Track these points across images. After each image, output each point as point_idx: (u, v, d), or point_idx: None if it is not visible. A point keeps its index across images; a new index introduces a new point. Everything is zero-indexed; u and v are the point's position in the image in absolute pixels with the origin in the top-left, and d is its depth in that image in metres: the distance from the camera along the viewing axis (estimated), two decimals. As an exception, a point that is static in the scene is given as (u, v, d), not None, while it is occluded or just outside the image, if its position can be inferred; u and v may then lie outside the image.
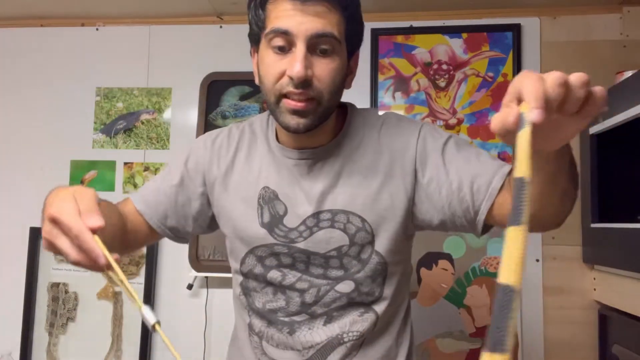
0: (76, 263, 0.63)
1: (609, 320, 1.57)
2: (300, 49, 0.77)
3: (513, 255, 0.37)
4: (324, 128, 0.87)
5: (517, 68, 1.73)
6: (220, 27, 1.91)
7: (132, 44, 1.95)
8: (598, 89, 0.50)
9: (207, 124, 1.85)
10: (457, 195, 0.83)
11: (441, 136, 0.88)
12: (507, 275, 0.36)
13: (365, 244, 0.86)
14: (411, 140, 0.88)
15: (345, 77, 0.85)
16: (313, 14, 0.76)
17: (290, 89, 0.78)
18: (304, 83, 0.77)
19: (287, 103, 0.79)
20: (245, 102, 1.87)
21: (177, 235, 0.97)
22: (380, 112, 0.96)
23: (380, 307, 0.89)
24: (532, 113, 0.45)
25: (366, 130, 0.90)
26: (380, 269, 0.88)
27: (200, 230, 0.98)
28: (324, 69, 0.79)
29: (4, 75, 1.99)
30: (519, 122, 0.46)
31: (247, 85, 1.86)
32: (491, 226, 0.84)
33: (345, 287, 0.87)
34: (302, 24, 0.77)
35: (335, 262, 0.87)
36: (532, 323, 1.68)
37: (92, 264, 0.62)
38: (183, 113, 1.90)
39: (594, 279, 1.65)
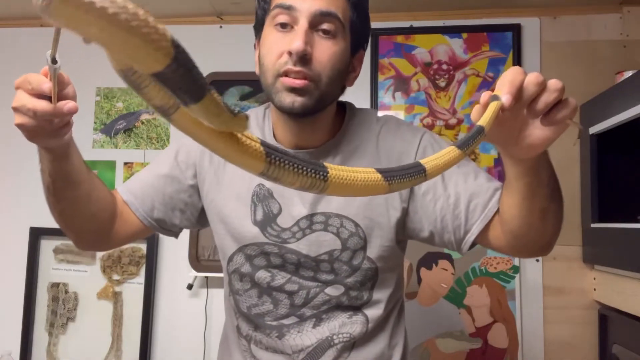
0: (36, 113, 0.63)
1: (609, 320, 1.57)
2: (302, 24, 0.77)
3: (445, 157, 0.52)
4: (321, 126, 0.86)
5: (517, 68, 1.73)
6: (220, 27, 1.91)
7: (132, 44, 1.94)
8: (570, 99, 0.55)
9: (207, 124, 1.85)
10: (452, 210, 0.83)
11: (441, 148, 0.88)
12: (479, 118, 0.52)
13: (357, 249, 0.86)
14: (410, 150, 0.87)
15: (346, 69, 0.84)
16: None
17: (289, 66, 0.77)
18: (303, 59, 0.76)
19: (284, 81, 0.78)
20: (246, 102, 1.87)
21: (164, 228, 0.94)
22: (380, 114, 0.95)
23: (369, 311, 0.89)
24: (504, 97, 0.53)
25: (364, 133, 0.89)
26: (371, 274, 0.87)
27: (188, 223, 0.96)
28: (325, 50, 0.78)
29: (4, 75, 1.99)
30: (489, 100, 0.53)
31: (247, 85, 1.86)
32: (475, 244, 0.84)
33: (335, 290, 0.87)
34: (306, 1, 0.77)
35: (325, 266, 0.86)
36: (532, 323, 1.67)
37: (50, 107, 0.63)
38: (183, 113, 1.90)
39: (594, 279, 1.64)
